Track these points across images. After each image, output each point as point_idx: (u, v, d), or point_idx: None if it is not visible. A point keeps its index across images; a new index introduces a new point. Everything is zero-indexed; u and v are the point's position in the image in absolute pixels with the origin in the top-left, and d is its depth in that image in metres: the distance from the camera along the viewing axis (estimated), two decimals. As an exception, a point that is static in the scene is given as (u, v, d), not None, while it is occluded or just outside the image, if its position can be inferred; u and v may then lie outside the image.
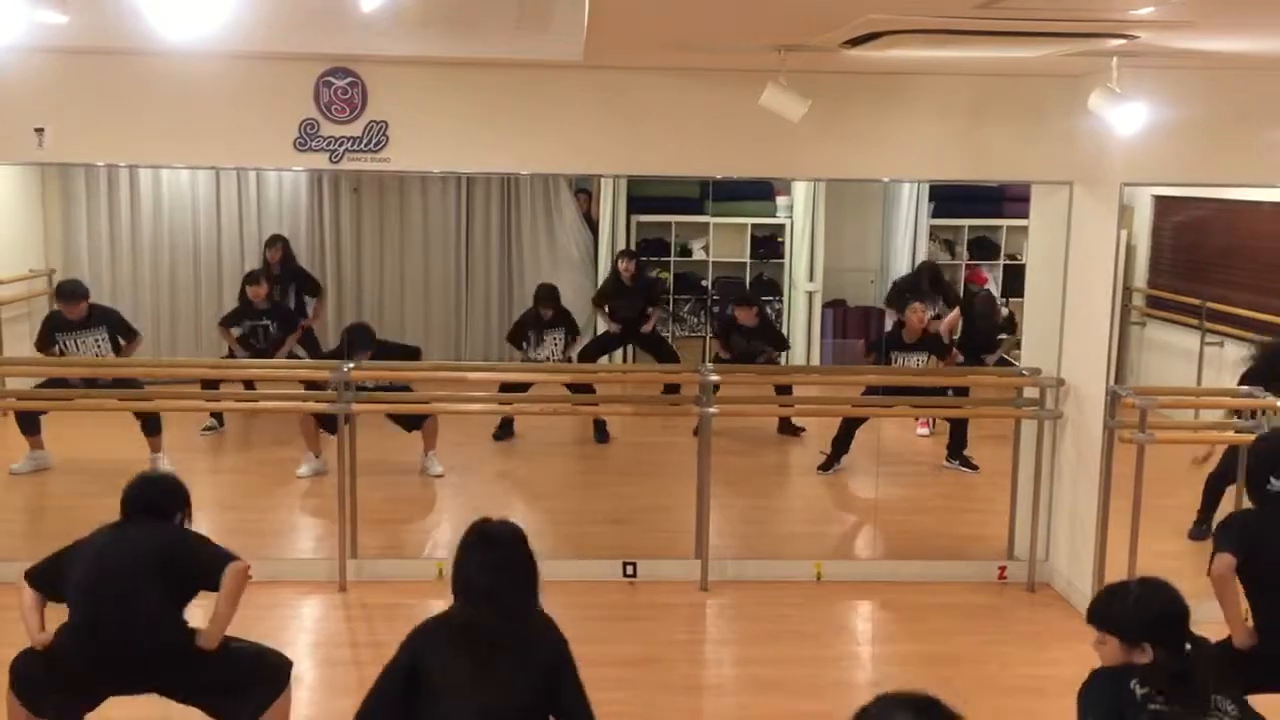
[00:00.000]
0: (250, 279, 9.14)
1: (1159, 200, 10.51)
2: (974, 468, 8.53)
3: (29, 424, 7.81)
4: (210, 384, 8.33)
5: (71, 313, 7.78)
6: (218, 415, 8.98)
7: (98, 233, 10.66)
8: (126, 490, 4.07)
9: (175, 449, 8.00)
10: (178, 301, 10.79)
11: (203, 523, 4.39)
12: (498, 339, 9.32)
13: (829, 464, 8.37)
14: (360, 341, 7.83)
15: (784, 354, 11.26)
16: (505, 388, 7.54)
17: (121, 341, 8.00)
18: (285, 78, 5.93)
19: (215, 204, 10.78)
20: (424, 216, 11.14)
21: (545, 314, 8.96)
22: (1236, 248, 9.56)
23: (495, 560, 3.18)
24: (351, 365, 6.49)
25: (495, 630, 3.13)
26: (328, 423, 7.25)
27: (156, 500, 4.06)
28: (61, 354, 7.78)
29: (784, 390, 8.38)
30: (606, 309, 9.99)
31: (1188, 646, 3.03)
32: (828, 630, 6.03)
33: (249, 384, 8.64)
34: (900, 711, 1.89)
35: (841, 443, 8.27)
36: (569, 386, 7.75)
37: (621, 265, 9.94)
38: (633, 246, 10.87)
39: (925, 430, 9.36)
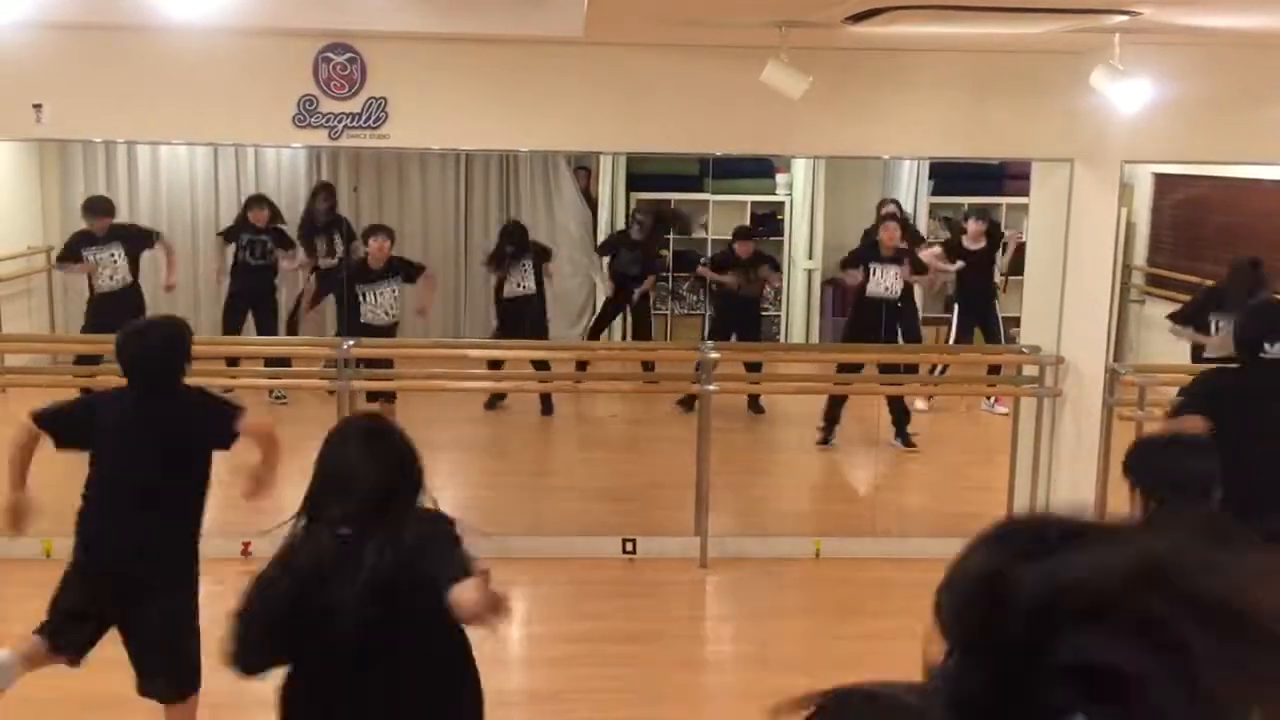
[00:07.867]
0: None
1: (1159, 178, 10.49)
2: (912, 446, 8.36)
3: None
4: (232, 361, 8.24)
5: (96, 228, 8.18)
6: None
7: (96, 209, 10.62)
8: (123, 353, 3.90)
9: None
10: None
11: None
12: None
13: (826, 438, 8.40)
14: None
15: (782, 331, 11.29)
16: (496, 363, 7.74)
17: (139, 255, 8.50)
18: (284, 54, 5.89)
19: (214, 180, 10.73)
20: (423, 194, 11.11)
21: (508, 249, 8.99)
22: (1237, 226, 9.54)
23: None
24: (352, 343, 6.48)
25: None
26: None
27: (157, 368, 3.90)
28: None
29: (754, 368, 8.39)
30: (608, 261, 10.04)
31: None
32: (827, 607, 6.05)
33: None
34: None
35: (831, 415, 8.32)
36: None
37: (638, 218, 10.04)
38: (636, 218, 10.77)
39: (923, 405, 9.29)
